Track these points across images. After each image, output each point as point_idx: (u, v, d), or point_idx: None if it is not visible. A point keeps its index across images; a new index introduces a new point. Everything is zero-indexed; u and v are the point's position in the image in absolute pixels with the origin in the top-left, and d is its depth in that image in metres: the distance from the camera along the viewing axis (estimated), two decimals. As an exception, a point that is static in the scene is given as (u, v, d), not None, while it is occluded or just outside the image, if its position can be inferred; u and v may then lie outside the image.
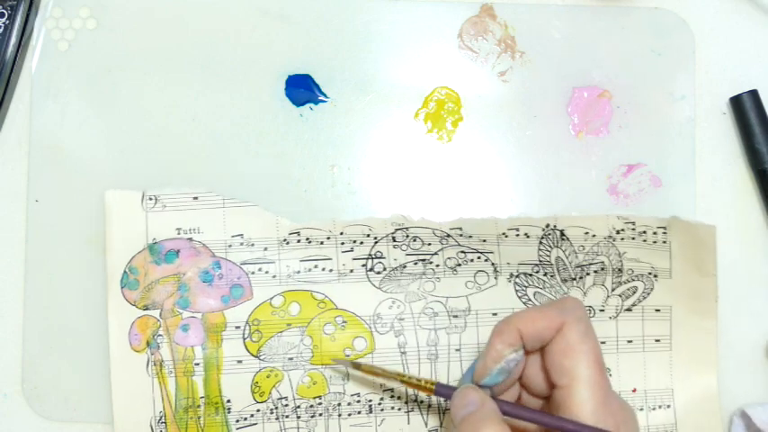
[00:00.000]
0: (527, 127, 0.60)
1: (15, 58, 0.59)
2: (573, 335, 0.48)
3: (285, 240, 0.58)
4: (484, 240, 0.58)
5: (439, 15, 0.60)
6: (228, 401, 0.58)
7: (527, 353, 0.50)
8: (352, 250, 0.58)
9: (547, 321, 0.49)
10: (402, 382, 0.53)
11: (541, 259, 0.58)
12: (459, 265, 0.58)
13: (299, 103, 0.60)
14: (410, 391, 0.58)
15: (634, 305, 0.59)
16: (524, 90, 0.60)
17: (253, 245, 0.58)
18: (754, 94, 0.60)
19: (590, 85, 0.60)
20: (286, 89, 0.60)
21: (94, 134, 0.59)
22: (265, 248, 0.58)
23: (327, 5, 0.60)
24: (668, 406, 0.59)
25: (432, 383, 0.51)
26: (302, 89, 0.60)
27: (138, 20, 0.60)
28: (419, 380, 0.52)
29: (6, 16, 0.58)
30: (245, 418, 0.58)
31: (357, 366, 0.56)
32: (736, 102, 0.60)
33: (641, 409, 0.59)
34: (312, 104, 0.60)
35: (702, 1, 0.61)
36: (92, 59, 0.60)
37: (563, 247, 0.58)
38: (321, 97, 0.60)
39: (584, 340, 0.48)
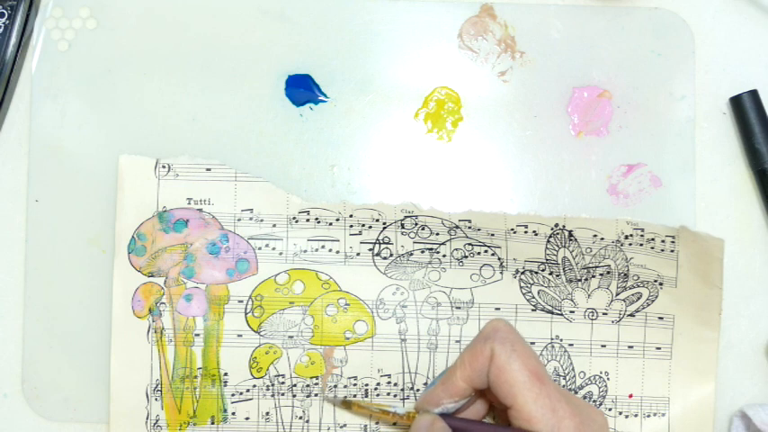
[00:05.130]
0: (527, 127, 0.60)
1: (15, 58, 0.59)
2: (501, 358, 0.49)
3: (294, 218, 0.58)
4: (492, 234, 0.58)
5: (439, 15, 0.60)
6: (225, 374, 0.58)
7: (481, 393, 0.53)
8: (360, 233, 0.58)
9: (480, 357, 0.50)
10: (388, 417, 0.55)
11: (548, 258, 0.58)
12: (466, 257, 0.58)
13: (299, 103, 0.60)
14: (407, 378, 0.58)
15: (637, 311, 0.59)
16: (524, 90, 0.60)
17: (262, 220, 0.58)
18: (754, 94, 0.60)
19: (590, 85, 0.60)
20: (286, 89, 0.60)
21: (94, 134, 0.59)
22: (274, 225, 0.58)
23: (327, 5, 0.60)
24: (663, 414, 0.59)
25: (413, 414, 0.54)
26: (302, 89, 0.60)
27: (138, 20, 0.60)
28: (404, 414, 0.54)
29: (6, 16, 0.58)
30: (241, 393, 0.58)
31: (348, 405, 0.57)
32: (736, 102, 0.60)
33: (636, 416, 0.59)
34: (312, 104, 0.60)
35: (702, 1, 0.61)
36: (92, 59, 0.60)
37: (570, 248, 0.58)
38: (321, 97, 0.60)
39: (513, 358, 0.49)
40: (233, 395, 0.58)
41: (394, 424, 0.57)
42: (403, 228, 0.58)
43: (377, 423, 0.58)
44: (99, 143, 0.59)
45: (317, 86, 0.60)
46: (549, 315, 0.58)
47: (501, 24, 0.61)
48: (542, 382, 0.48)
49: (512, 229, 0.58)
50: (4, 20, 0.58)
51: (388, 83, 0.60)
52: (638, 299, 0.59)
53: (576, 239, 0.58)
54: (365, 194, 0.60)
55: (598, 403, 0.58)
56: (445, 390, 0.52)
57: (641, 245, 0.58)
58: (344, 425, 0.58)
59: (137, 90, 0.60)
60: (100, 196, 0.59)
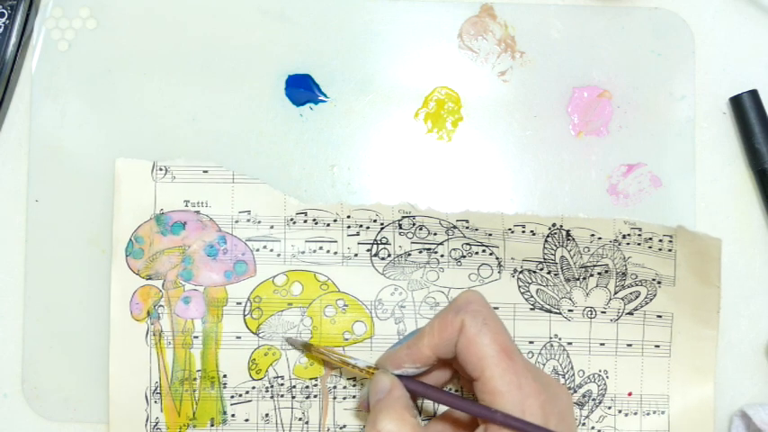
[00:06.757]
0: (527, 127, 0.60)
1: (15, 58, 0.59)
2: (471, 330, 0.49)
3: (292, 220, 0.58)
4: (489, 234, 0.58)
5: (439, 15, 0.60)
6: (225, 376, 0.58)
7: (444, 362, 0.52)
8: (357, 234, 0.58)
9: (449, 328, 0.50)
10: (348, 367, 0.55)
11: (546, 257, 0.58)
12: (464, 256, 0.58)
13: (299, 103, 0.60)
14: None
15: (636, 309, 0.59)
16: (524, 90, 0.60)
17: (259, 222, 0.58)
18: (754, 94, 0.60)
19: (590, 85, 0.60)
20: (286, 89, 0.60)
21: (94, 134, 0.59)
22: (271, 226, 0.58)
23: (327, 5, 0.60)
24: (662, 412, 0.59)
25: (373, 370, 0.53)
26: (302, 89, 0.60)
27: (138, 20, 0.60)
28: (364, 368, 0.54)
29: (6, 16, 0.58)
30: (240, 395, 0.58)
31: (308, 348, 0.57)
32: (736, 102, 0.60)
33: (635, 414, 0.59)
34: (312, 104, 0.60)
35: (702, 1, 0.61)
36: (92, 59, 0.60)
37: (568, 247, 0.58)
38: (321, 97, 0.60)
39: (483, 332, 0.49)
40: (232, 397, 0.58)
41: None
42: (401, 228, 0.58)
43: (338, 373, 0.58)
44: (99, 143, 0.59)
45: (317, 86, 0.60)
46: (548, 314, 0.59)
47: (501, 24, 0.61)
48: (511, 358, 0.48)
49: (509, 229, 0.58)
50: (4, 20, 0.58)
51: (388, 83, 0.60)
52: (637, 297, 0.59)
53: (573, 239, 0.58)
54: (365, 194, 0.60)
55: (597, 401, 0.59)
56: (409, 355, 0.51)
57: (639, 244, 0.58)
58: (344, 426, 0.58)
59: (137, 90, 0.60)
60: (100, 196, 0.59)
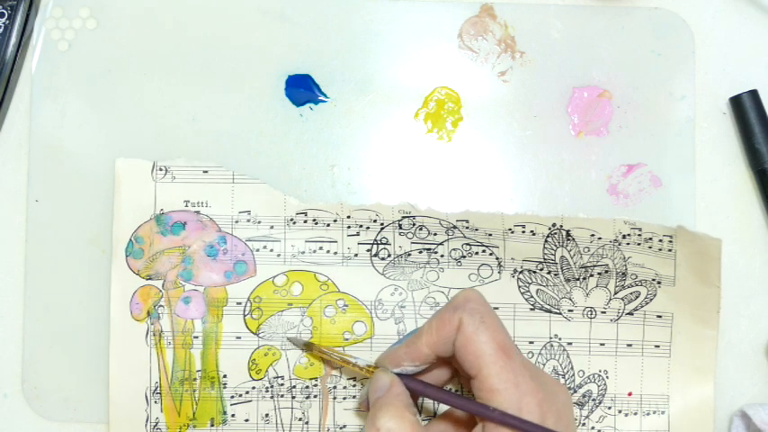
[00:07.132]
0: (527, 127, 0.60)
1: (15, 58, 0.59)
2: (468, 328, 0.49)
3: (292, 220, 0.58)
4: (489, 234, 0.58)
5: (439, 15, 0.60)
6: (225, 377, 0.58)
7: (446, 360, 0.52)
8: (357, 234, 0.58)
9: (447, 326, 0.50)
10: (348, 366, 0.55)
11: (546, 257, 0.58)
12: (464, 257, 0.58)
13: (299, 103, 0.60)
14: None
15: (636, 310, 0.59)
16: (524, 90, 0.60)
17: (259, 222, 0.58)
18: (754, 94, 0.60)
19: (590, 85, 0.60)
20: (286, 89, 0.60)
21: (94, 134, 0.59)
22: (272, 227, 0.58)
23: (327, 5, 0.60)
24: (662, 412, 0.59)
25: (373, 368, 0.54)
26: (302, 89, 0.60)
27: (138, 20, 0.60)
28: (364, 367, 0.54)
29: (6, 16, 0.58)
30: (240, 395, 0.58)
31: (309, 347, 0.57)
32: (736, 102, 0.60)
33: (635, 414, 0.59)
34: (312, 104, 0.60)
35: (702, 1, 0.61)
36: (92, 59, 0.60)
37: (568, 248, 0.58)
38: (321, 97, 0.60)
39: (480, 329, 0.49)
40: (232, 397, 0.58)
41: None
42: (401, 228, 0.58)
43: (338, 373, 0.58)
44: (99, 143, 0.59)
45: (317, 86, 0.60)
46: (548, 314, 0.59)
47: (501, 24, 0.61)
48: (508, 356, 0.48)
49: (509, 229, 0.58)
50: (4, 20, 0.58)
51: (388, 83, 0.60)
52: (637, 297, 0.59)
53: (573, 239, 0.58)
54: (365, 194, 0.60)
55: (597, 402, 0.59)
56: (408, 353, 0.52)
57: (639, 244, 0.58)
58: (344, 426, 0.58)
59: (137, 90, 0.60)
60: (100, 196, 0.59)
